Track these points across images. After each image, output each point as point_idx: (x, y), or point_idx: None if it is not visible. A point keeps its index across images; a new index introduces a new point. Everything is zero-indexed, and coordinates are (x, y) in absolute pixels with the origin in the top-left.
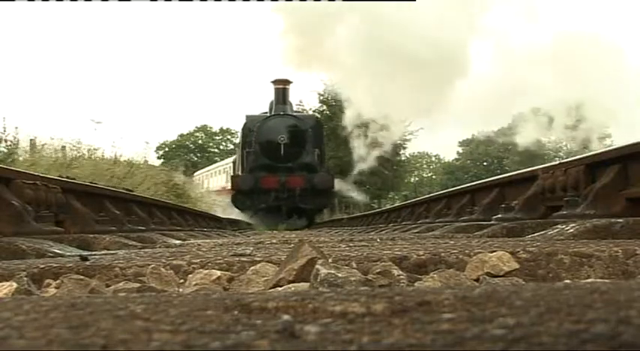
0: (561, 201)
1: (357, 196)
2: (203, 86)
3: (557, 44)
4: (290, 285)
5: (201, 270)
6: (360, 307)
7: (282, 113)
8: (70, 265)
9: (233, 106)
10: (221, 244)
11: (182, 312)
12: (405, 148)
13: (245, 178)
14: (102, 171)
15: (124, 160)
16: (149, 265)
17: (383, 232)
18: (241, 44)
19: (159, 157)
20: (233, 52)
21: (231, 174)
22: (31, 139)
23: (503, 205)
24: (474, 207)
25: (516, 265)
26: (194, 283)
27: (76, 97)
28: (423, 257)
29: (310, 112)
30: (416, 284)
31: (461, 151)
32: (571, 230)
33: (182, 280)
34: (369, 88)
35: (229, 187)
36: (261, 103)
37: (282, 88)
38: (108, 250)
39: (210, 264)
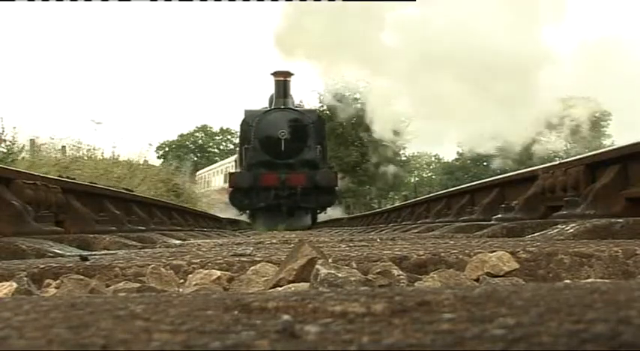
0: (561, 201)
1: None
2: (203, 86)
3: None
4: (290, 285)
5: (201, 270)
6: (360, 307)
7: (282, 107)
8: (70, 265)
9: (233, 105)
10: (221, 244)
11: (182, 312)
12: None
13: (243, 175)
14: (102, 171)
15: (124, 161)
16: (149, 265)
17: (383, 232)
18: (241, 44)
19: (159, 157)
20: (233, 52)
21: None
22: (31, 139)
23: (503, 205)
24: (474, 207)
25: (516, 265)
26: (194, 283)
27: (76, 97)
28: (423, 257)
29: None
30: (416, 284)
31: (461, 151)
32: (571, 230)
33: (182, 280)
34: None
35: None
36: (261, 102)
37: (282, 80)
38: (108, 250)
39: (210, 264)
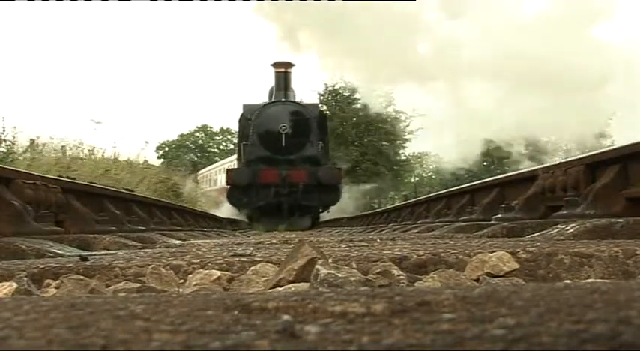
0: (561, 201)
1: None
2: (203, 86)
3: None
4: (290, 285)
5: (201, 270)
6: (360, 307)
7: (283, 100)
8: (70, 265)
9: (233, 105)
10: (221, 244)
11: (182, 312)
12: (405, 147)
13: (241, 171)
14: (102, 171)
15: (124, 161)
16: (149, 265)
17: (383, 232)
18: (241, 44)
19: (159, 157)
20: (233, 52)
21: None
22: (31, 139)
23: (503, 205)
24: (474, 207)
25: (516, 265)
26: (194, 283)
27: (76, 97)
28: (423, 257)
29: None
30: (416, 284)
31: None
32: (571, 230)
33: (182, 280)
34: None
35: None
36: (262, 97)
37: (283, 71)
38: (108, 250)
39: (210, 264)
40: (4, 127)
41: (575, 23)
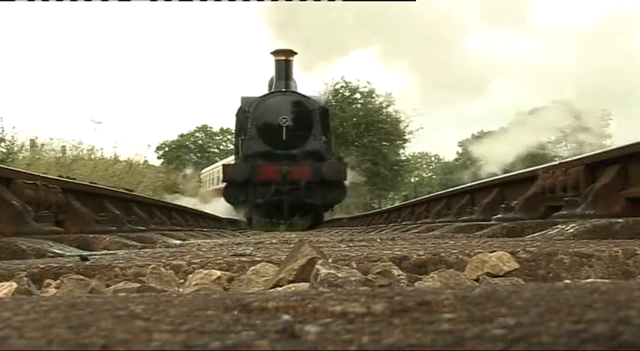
0: (561, 201)
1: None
2: (204, 86)
3: None
4: (290, 285)
5: (201, 270)
6: (360, 307)
7: (283, 90)
8: (70, 265)
9: (234, 105)
10: (221, 244)
11: (182, 312)
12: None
13: (239, 167)
14: (102, 171)
15: (124, 160)
16: (149, 265)
17: (383, 232)
18: (242, 44)
19: (159, 157)
20: (234, 51)
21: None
22: (31, 139)
23: (503, 205)
24: (474, 207)
25: (516, 265)
26: (194, 283)
27: (76, 97)
28: (423, 257)
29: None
30: (416, 284)
31: (461, 151)
32: (571, 230)
33: (182, 280)
34: None
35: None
36: (262, 91)
37: (284, 60)
38: (108, 250)
39: (210, 264)
40: (3, 127)
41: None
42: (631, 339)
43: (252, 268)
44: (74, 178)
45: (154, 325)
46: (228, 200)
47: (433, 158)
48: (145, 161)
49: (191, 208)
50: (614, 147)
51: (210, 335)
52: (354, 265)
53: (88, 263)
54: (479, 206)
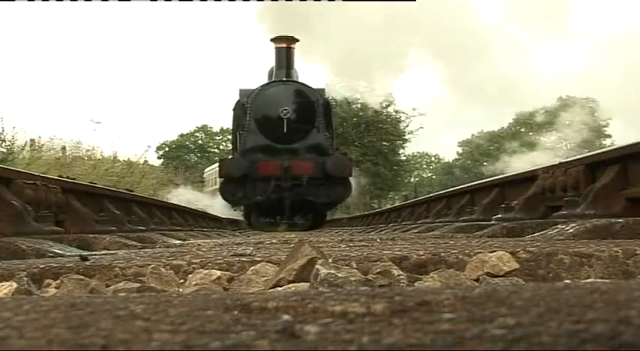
0: (561, 201)
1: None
2: (204, 86)
3: None
4: (290, 285)
5: (201, 270)
6: (360, 307)
7: (284, 79)
8: (70, 265)
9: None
10: (221, 244)
11: (182, 312)
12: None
13: (236, 162)
14: (102, 171)
15: (123, 160)
16: (149, 265)
17: (383, 232)
18: (242, 44)
19: (159, 157)
20: (234, 51)
21: None
22: (31, 139)
23: (503, 205)
24: (474, 207)
25: (516, 265)
26: (194, 283)
27: (76, 97)
28: (423, 257)
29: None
30: (416, 284)
31: (460, 151)
32: (571, 230)
33: (182, 280)
34: None
35: None
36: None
37: (285, 47)
38: (108, 250)
39: (210, 264)
40: (3, 127)
41: None
42: (631, 339)
43: (252, 268)
44: (74, 178)
45: (153, 325)
46: (224, 197)
47: (433, 158)
48: (145, 161)
49: (191, 209)
50: (614, 147)
51: (210, 335)
52: (354, 265)
53: (88, 263)
54: (479, 206)
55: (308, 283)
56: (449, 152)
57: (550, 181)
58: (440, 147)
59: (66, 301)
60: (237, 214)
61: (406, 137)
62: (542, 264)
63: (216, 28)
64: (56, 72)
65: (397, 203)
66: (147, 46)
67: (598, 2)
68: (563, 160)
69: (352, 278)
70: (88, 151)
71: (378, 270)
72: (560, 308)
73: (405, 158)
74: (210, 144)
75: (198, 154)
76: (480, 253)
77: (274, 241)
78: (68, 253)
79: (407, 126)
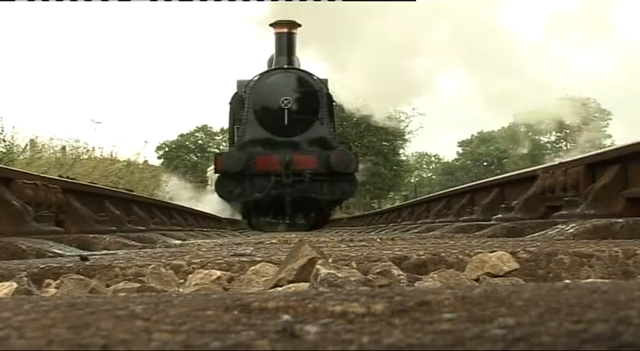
0: (561, 201)
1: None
2: (204, 86)
3: None
4: (290, 285)
5: (201, 270)
6: (360, 307)
7: (285, 67)
8: (70, 265)
9: None
10: (221, 244)
11: (182, 312)
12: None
13: (232, 156)
14: (101, 170)
15: (123, 160)
16: (149, 265)
17: (383, 232)
18: (242, 44)
19: (159, 157)
20: (234, 51)
21: None
22: (31, 139)
23: (503, 205)
24: (474, 207)
25: (516, 265)
26: (194, 283)
27: (76, 97)
28: (423, 257)
29: None
30: (416, 284)
31: (460, 151)
32: (571, 230)
33: (182, 280)
34: None
35: None
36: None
37: (286, 32)
38: (108, 250)
39: (210, 264)
40: (2, 127)
41: None
42: (631, 339)
43: (252, 268)
44: (74, 178)
45: (153, 325)
46: (220, 194)
47: (433, 158)
48: (145, 161)
49: (191, 209)
50: (614, 147)
51: (210, 335)
52: (354, 265)
53: (88, 263)
54: (479, 206)
55: (308, 283)
56: (449, 152)
57: (550, 181)
58: (440, 147)
59: (66, 301)
60: (231, 212)
61: (406, 137)
62: (542, 264)
63: (216, 29)
64: (56, 72)
65: (397, 203)
66: (147, 45)
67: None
68: (563, 160)
69: (352, 278)
70: (88, 151)
71: (378, 270)
72: (560, 308)
73: (405, 158)
74: (210, 144)
75: (198, 154)
76: (480, 253)
77: (274, 241)
78: (68, 253)
79: (407, 126)
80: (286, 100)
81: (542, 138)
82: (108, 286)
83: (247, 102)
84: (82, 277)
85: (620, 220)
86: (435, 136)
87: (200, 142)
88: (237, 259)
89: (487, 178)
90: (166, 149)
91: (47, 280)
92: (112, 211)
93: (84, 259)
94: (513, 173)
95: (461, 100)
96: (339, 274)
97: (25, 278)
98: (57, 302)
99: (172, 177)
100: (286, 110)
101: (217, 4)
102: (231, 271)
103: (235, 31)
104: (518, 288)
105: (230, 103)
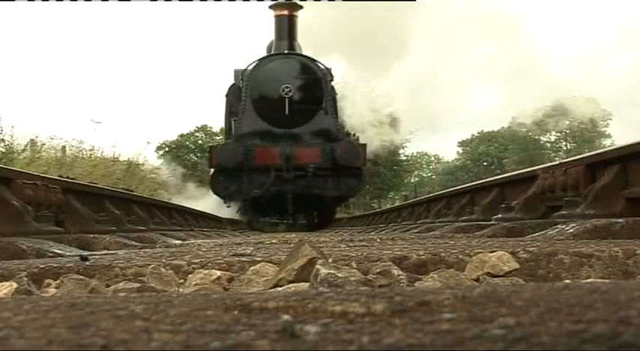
0: (561, 201)
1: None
2: (204, 86)
3: None
4: (290, 285)
5: (201, 270)
6: (360, 307)
7: (286, 52)
8: (70, 265)
9: None
10: (221, 244)
11: (182, 312)
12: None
13: (228, 149)
14: (102, 170)
15: (124, 160)
16: (149, 265)
17: (383, 232)
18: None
19: (159, 157)
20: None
21: None
22: (31, 139)
23: (503, 205)
24: (474, 207)
25: (516, 265)
26: (194, 283)
27: (76, 97)
28: (423, 257)
29: None
30: (416, 284)
31: (460, 151)
32: (571, 230)
33: (182, 280)
34: None
35: None
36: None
37: (287, 15)
38: (108, 250)
39: (210, 264)
40: (2, 127)
41: None
42: (631, 339)
43: (252, 268)
44: (74, 178)
45: (153, 325)
46: (215, 191)
47: (433, 158)
48: (146, 161)
49: (191, 209)
50: (614, 147)
51: (210, 335)
52: (354, 265)
53: (88, 263)
54: (479, 206)
55: (308, 283)
56: (449, 152)
57: (550, 181)
58: (440, 147)
59: (66, 301)
60: (230, 212)
61: (406, 137)
62: (542, 264)
63: (216, 28)
64: (56, 72)
65: (397, 203)
66: (147, 45)
67: None
68: (563, 160)
69: (352, 278)
70: (88, 150)
71: (378, 270)
72: (560, 308)
73: (405, 158)
74: (211, 144)
75: (198, 154)
76: (480, 253)
77: (274, 241)
78: (68, 253)
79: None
80: (287, 88)
81: (542, 138)
82: (108, 286)
83: (244, 91)
84: (82, 277)
85: (620, 220)
86: (435, 136)
87: (200, 142)
88: (237, 259)
89: (487, 178)
90: (166, 149)
91: (47, 280)
92: (112, 211)
93: (84, 259)
94: (513, 173)
95: (461, 100)
96: (339, 274)
97: (25, 278)
98: (57, 302)
99: (172, 177)
100: (287, 99)
101: (217, 4)
102: (231, 271)
103: (235, 31)
104: (518, 288)
105: (226, 95)
